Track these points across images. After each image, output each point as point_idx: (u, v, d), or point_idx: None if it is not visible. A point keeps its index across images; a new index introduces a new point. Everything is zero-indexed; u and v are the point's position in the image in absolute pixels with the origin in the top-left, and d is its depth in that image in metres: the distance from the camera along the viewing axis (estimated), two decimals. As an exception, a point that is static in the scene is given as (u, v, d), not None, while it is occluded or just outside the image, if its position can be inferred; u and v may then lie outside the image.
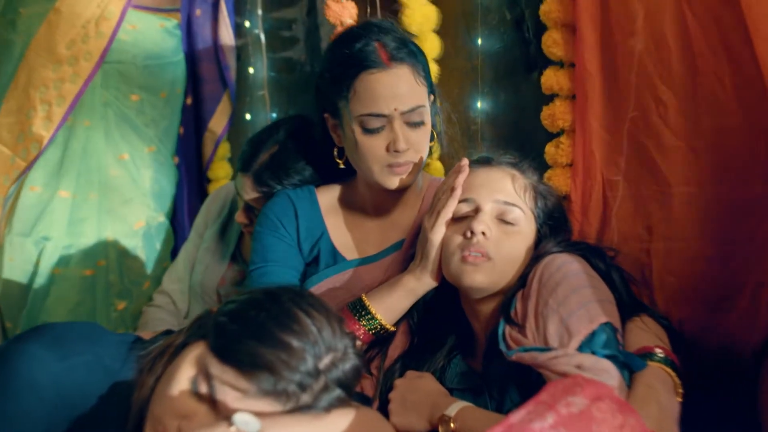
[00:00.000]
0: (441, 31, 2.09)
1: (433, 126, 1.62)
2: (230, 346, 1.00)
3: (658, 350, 1.27)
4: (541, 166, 1.75)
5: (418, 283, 1.49)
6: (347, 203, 1.72)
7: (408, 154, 1.53)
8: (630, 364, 1.22)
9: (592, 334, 1.22)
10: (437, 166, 2.13)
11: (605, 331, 1.23)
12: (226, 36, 2.70)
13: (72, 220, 2.38)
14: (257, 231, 1.70)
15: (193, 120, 2.78)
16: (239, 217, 2.02)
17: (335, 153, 1.65)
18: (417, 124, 1.54)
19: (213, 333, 1.03)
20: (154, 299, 2.38)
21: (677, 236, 1.58)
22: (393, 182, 1.56)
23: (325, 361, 1.01)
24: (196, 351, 1.03)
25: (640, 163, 1.64)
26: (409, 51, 1.55)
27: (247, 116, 2.81)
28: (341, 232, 1.70)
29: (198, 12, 2.73)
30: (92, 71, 2.33)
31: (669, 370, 1.24)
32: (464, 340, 1.51)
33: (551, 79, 1.80)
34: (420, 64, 1.56)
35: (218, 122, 2.76)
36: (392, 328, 1.51)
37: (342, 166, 1.65)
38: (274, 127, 1.98)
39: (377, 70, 1.51)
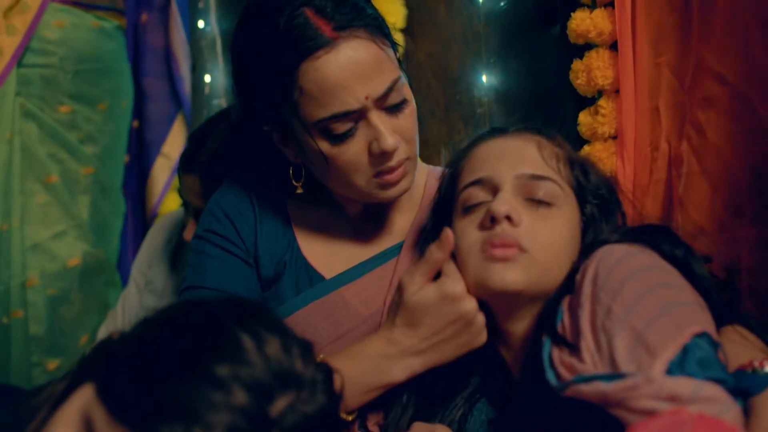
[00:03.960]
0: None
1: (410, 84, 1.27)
2: (124, 392, 0.75)
3: None
4: (573, 145, 1.46)
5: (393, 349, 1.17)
6: (322, 201, 1.38)
7: (400, 151, 1.21)
8: (745, 387, 0.96)
9: (684, 351, 0.95)
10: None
11: (701, 346, 0.96)
12: (179, 44, 2.52)
13: None
14: (198, 234, 1.36)
15: (138, 146, 2.55)
16: (189, 233, 1.76)
17: (291, 173, 1.30)
18: (399, 106, 1.20)
19: (102, 371, 0.79)
20: None
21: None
22: (388, 195, 1.25)
23: (280, 404, 0.76)
24: (82, 400, 0.79)
25: (711, 125, 1.35)
26: (354, 6, 1.17)
27: (205, 134, 2.56)
28: (315, 241, 1.35)
29: (144, 17, 2.55)
30: (1, 74, 2.12)
31: None
32: (491, 375, 1.26)
33: (585, 22, 1.50)
34: (372, 17, 1.19)
35: (174, 145, 2.53)
36: (348, 417, 1.20)
37: (300, 191, 1.30)
38: (221, 114, 1.78)
39: (323, 51, 1.13)
